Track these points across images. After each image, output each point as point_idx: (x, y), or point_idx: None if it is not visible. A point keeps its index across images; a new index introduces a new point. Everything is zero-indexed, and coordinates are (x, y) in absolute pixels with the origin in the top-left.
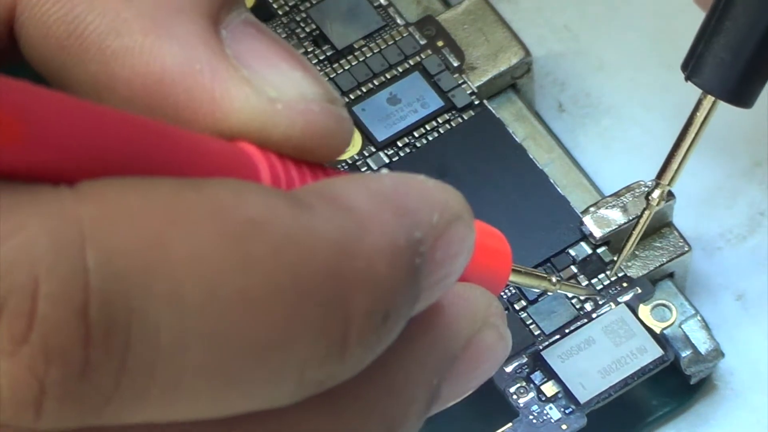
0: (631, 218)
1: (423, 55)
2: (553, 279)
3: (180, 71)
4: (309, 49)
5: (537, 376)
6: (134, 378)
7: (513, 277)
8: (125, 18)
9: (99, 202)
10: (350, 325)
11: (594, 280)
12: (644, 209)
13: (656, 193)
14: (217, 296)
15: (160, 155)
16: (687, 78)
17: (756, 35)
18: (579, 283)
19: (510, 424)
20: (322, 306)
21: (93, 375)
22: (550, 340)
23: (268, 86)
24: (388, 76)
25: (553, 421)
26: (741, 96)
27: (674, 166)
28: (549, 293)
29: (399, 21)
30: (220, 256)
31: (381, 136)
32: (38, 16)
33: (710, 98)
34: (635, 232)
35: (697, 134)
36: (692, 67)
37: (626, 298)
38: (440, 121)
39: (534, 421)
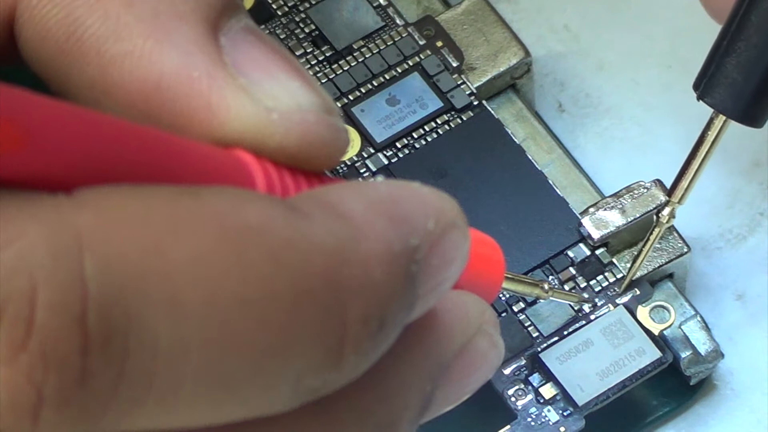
0: (629, 220)
1: (422, 56)
2: (545, 286)
3: (177, 78)
4: (308, 50)
5: (535, 378)
6: (133, 385)
7: (506, 285)
8: (125, 22)
9: (96, 209)
10: (346, 332)
11: (593, 282)
12: (654, 226)
13: (666, 211)
14: (216, 303)
15: (157, 163)
16: (699, 97)
17: None
18: (578, 284)
19: (508, 427)
20: (319, 313)
21: (91, 382)
22: (549, 342)
23: (265, 95)
24: (387, 77)
25: (551, 423)
26: (753, 116)
27: (684, 183)
28: (542, 300)
29: (398, 21)
30: (218, 263)
31: (380, 137)
32: (38, 18)
33: (722, 117)
34: (645, 250)
35: (707, 152)
36: (704, 86)
37: (624, 299)
38: (439, 122)
39: (532, 423)
